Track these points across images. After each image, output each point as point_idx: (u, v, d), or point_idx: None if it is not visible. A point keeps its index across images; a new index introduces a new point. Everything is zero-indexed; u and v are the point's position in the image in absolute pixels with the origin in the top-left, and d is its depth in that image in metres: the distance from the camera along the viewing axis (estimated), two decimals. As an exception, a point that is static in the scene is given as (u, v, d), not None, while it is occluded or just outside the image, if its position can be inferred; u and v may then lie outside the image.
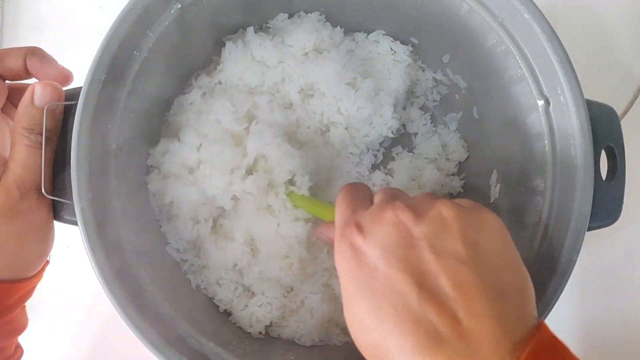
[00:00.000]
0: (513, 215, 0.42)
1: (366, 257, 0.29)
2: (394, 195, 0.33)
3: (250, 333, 0.45)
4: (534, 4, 0.37)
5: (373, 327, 0.28)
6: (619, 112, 0.41)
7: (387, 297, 0.28)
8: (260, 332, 0.45)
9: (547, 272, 0.36)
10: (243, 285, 0.45)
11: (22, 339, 0.40)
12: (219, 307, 0.46)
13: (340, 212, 0.34)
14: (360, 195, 0.35)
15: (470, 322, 0.26)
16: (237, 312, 0.45)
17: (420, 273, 0.28)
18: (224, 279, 0.45)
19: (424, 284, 0.27)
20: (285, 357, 0.43)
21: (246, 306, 0.45)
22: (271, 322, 0.46)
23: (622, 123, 0.39)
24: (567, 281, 0.35)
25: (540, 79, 0.39)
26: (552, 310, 0.35)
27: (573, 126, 0.37)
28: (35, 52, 0.39)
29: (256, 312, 0.45)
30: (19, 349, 0.42)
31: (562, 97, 0.37)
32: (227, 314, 0.46)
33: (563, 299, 0.35)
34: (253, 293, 0.46)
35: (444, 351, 0.26)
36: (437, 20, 0.45)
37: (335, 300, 0.46)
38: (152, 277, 0.38)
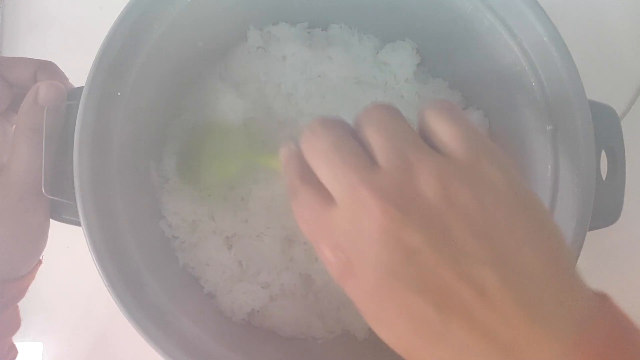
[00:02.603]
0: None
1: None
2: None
3: (231, 318, 0.44)
4: (552, 25, 0.36)
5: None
6: (619, 112, 0.41)
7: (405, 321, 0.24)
8: (242, 320, 0.44)
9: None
10: (231, 269, 0.45)
11: (22, 340, 0.40)
12: (204, 288, 0.45)
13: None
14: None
15: (507, 334, 0.22)
16: (221, 296, 0.44)
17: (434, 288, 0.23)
18: (214, 259, 0.44)
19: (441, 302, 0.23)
20: (263, 347, 0.42)
21: (230, 291, 0.44)
22: (253, 310, 0.44)
23: (622, 123, 0.39)
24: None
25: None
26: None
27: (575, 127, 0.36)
28: (47, 68, 0.38)
29: (239, 299, 0.44)
30: (12, 350, 0.41)
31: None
32: (211, 296, 0.45)
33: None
34: (240, 279, 0.45)
35: None
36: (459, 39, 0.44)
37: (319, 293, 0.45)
38: (154, 276, 0.38)
